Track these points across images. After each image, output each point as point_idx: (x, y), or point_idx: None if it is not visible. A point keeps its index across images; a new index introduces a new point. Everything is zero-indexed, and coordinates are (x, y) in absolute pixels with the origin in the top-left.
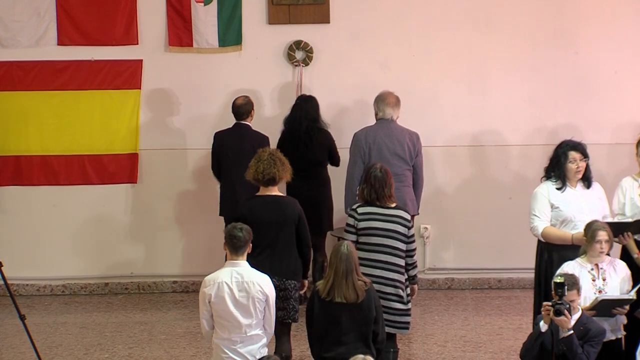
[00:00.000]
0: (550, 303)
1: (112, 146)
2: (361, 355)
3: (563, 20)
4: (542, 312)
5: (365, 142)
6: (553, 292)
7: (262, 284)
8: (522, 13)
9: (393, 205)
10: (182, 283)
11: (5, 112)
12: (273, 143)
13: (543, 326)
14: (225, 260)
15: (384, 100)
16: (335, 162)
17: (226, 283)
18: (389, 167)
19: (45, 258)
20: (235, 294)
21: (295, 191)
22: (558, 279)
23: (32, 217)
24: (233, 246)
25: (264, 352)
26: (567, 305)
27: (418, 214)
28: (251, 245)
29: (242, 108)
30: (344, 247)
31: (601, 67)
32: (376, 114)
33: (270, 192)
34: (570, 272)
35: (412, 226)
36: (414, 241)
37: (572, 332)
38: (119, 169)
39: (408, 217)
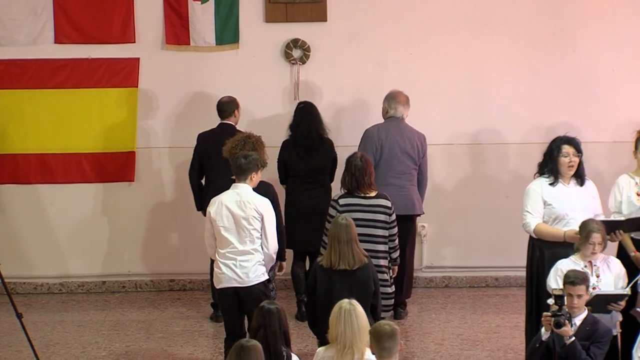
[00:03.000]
0: (550, 313)
1: (109, 144)
2: (347, 300)
3: (561, 19)
4: (542, 321)
5: (378, 139)
6: (552, 302)
7: (258, 204)
8: (520, 12)
9: (373, 194)
10: (179, 281)
11: (3, 111)
12: (267, 141)
13: (544, 334)
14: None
15: (395, 99)
16: (333, 174)
17: (224, 202)
18: (398, 165)
19: (43, 256)
20: (233, 210)
21: (299, 199)
22: (557, 292)
23: (30, 215)
24: (235, 171)
25: (260, 271)
26: (568, 315)
27: (424, 213)
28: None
29: (226, 106)
30: (342, 219)
31: (599, 66)
32: (386, 112)
33: None
34: (564, 269)
35: (394, 212)
36: (395, 226)
37: (573, 339)
38: (116, 167)
39: (389, 204)
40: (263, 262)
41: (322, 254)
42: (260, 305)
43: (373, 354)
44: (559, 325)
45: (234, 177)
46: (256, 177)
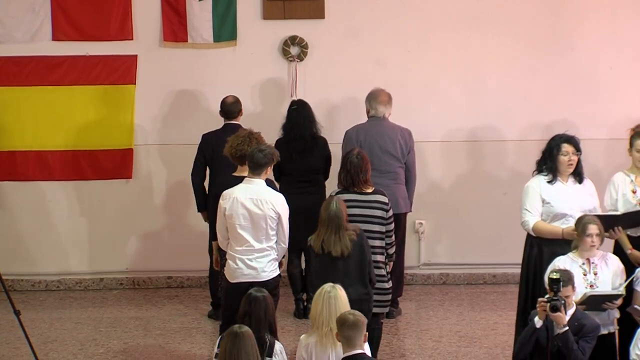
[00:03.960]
0: (545, 299)
1: (107, 142)
2: (330, 284)
3: (559, 17)
4: (537, 308)
5: (357, 140)
6: (548, 288)
7: (275, 203)
8: (518, 9)
9: (370, 190)
10: (177, 278)
11: (0, 107)
12: (264, 138)
13: (538, 322)
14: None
15: (376, 98)
16: (327, 172)
17: (240, 199)
18: (380, 165)
19: (40, 253)
20: (250, 209)
21: (293, 197)
22: (554, 275)
23: (27, 212)
24: (250, 166)
25: (274, 266)
26: (563, 301)
27: (410, 211)
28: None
29: (234, 106)
30: (333, 205)
31: (597, 64)
32: (368, 112)
33: (244, 172)
34: (561, 267)
35: (390, 208)
36: (392, 222)
37: (567, 328)
38: (114, 164)
39: (386, 200)
40: (277, 258)
41: (313, 240)
42: (248, 292)
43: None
44: (555, 308)
45: (235, 174)
46: (269, 171)
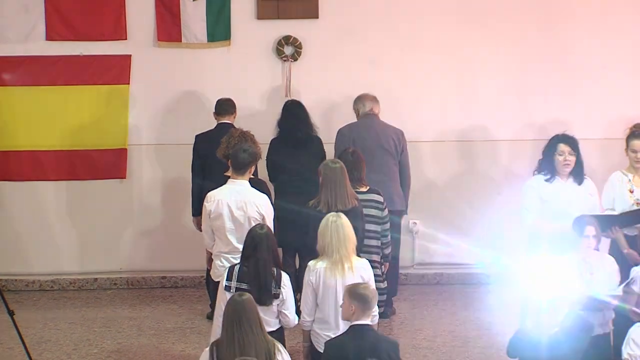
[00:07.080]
0: None
1: (101, 141)
2: (333, 212)
3: (551, 16)
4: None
5: (350, 137)
6: None
7: (259, 204)
8: (511, 8)
9: (365, 189)
10: (171, 278)
11: None
12: (258, 138)
13: (529, 323)
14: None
15: (361, 98)
16: None
17: (225, 201)
18: (373, 160)
19: (34, 253)
20: (233, 211)
21: (288, 197)
22: None
23: (21, 212)
24: (234, 166)
25: None
26: None
27: (406, 211)
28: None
29: (227, 105)
30: (333, 162)
31: (590, 63)
32: (358, 112)
33: None
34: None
35: (386, 207)
36: (387, 222)
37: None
38: (108, 164)
39: (381, 199)
40: None
41: (317, 202)
42: (250, 230)
43: (353, 314)
44: None
45: (228, 174)
46: (252, 170)
